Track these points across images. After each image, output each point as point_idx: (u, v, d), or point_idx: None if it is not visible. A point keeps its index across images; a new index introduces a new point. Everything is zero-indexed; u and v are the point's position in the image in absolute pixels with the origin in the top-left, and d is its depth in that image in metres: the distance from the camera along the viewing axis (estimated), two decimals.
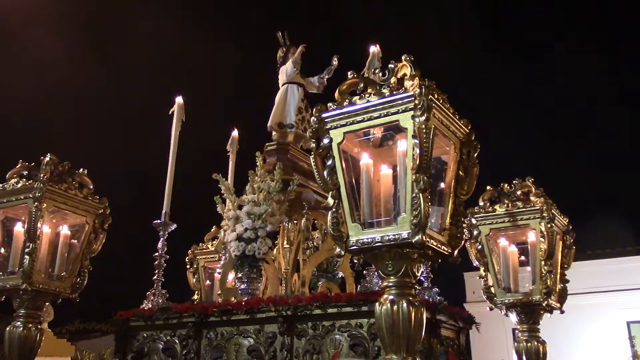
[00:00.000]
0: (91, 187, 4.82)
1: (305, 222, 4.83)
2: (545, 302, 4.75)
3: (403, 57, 3.19)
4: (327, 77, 5.85)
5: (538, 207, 4.82)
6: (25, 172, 4.69)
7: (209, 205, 6.49)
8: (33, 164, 4.72)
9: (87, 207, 4.74)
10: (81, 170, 4.82)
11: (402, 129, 3.04)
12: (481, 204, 5.04)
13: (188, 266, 6.57)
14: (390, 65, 3.24)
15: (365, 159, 3.18)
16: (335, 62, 5.82)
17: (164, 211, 5.10)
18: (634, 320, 19.57)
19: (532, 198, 4.93)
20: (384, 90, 3.09)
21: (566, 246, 5.12)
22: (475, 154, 3.37)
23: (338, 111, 3.19)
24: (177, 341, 4.48)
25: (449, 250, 3.16)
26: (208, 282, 6.67)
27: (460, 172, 3.31)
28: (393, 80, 3.17)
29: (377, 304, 3.04)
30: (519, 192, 5.03)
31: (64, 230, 4.70)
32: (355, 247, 3.05)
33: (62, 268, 4.64)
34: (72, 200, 4.64)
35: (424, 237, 2.88)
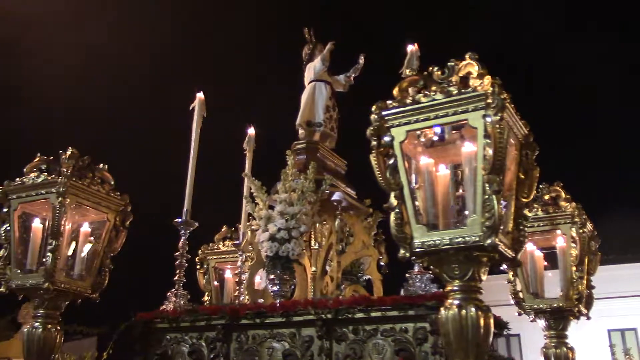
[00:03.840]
0: (112, 182, 4.65)
1: (340, 222, 4.72)
2: (577, 308, 4.70)
3: (467, 55, 3.11)
4: (353, 75, 5.75)
5: (569, 212, 4.78)
6: (43, 167, 4.50)
7: (221, 204, 6.35)
8: (52, 158, 4.52)
9: (109, 204, 4.56)
10: (101, 165, 4.64)
11: (470, 128, 2.95)
12: None
13: (198, 266, 6.40)
14: (449, 64, 3.15)
15: (429, 158, 3.08)
16: (362, 60, 5.72)
17: (185, 209, 4.93)
18: (615, 329, 19.84)
19: (562, 203, 4.88)
20: (451, 88, 3.00)
21: (592, 252, 5.08)
22: (534, 156, 3.29)
23: (401, 109, 3.08)
24: (204, 344, 4.32)
25: (513, 254, 3.07)
26: (216, 283, 6.52)
27: (520, 174, 3.23)
28: (455, 78, 3.09)
29: (442, 309, 2.94)
30: (546, 197, 4.98)
31: (85, 227, 4.52)
32: (420, 250, 2.95)
33: (82, 267, 4.45)
34: (94, 196, 4.46)
35: (496, 239, 2.80)
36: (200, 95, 5.23)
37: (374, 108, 3.15)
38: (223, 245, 6.43)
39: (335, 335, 3.87)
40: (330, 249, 4.75)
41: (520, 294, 4.88)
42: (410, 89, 3.15)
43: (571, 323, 4.88)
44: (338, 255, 4.75)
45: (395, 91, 3.19)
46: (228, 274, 6.47)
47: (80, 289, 4.37)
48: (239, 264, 5.55)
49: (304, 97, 5.56)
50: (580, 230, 4.73)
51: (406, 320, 3.67)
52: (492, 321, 2.91)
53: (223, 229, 6.48)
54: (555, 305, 4.73)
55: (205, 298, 6.29)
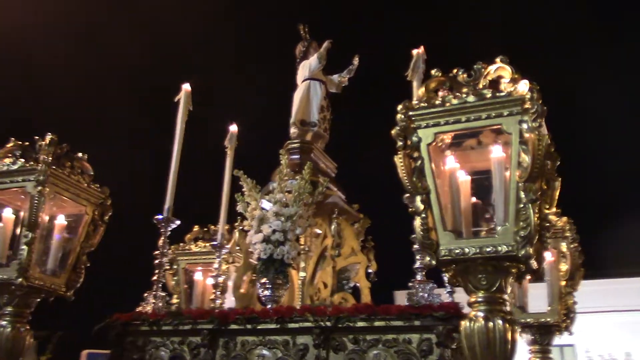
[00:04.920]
0: (91, 173, 4.34)
1: (336, 227, 4.54)
2: (564, 323, 4.68)
3: (499, 59, 3.01)
4: (347, 77, 5.61)
5: (560, 227, 4.76)
6: (18, 152, 4.16)
7: (196, 204, 6.10)
8: (27, 143, 4.19)
9: (88, 196, 4.26)
10: (81, 154, 4.33)
11: (504, 133, 2.85)
12: None
13: (167, 267, 6.10)
14: (476, 66, 3.05)
15: (458, 163, 2.96)
16: (356, 61, 5.59)
17: (166, 206, 4.66)
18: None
19: (552, 217, 4.86)
20: (485, 91, 2.89)
21: (577, 267, 5.08)
22: (556, 166, 3.21)
23: (430, 109, 2.95)
24: (186, 349, 4.05)
25: (537, 266, 2.97)
26: (186, 285, 6.24)
27: (543, 184, 3.15)
28: (483, 81, 2.98)
29: (466, 321, 2.82)
30: None
31: (61, 220, 4.20)
32: (447, 258, 2.82)
33: (57, 263, 4.13)
34: (74, 187, 4.15)
35: (531, 250, 2.69)
36: (186, 87, 4.98)
37: (400, 107, 3.01)
38: (195, 246, 6.16)
39: (333, 344, 3.69)
40: (322, 254, 4.57)
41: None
42: (438, 91, 3.04)
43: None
44: (334, 260, 4.58)
45: (422, 91, 3.07)
46: (199, 276, 6.21)
47: (55, 286, 4.05)
48: (215, 265, 5.31)
49: (297, 95, 5.38)
50: (571, 245, 4.72)
51: (411, 331, 3.52)
52: (518, 335, 2.80)
53: (195, 229, 6.21)
54: (542, 320, 4.69)
55: (174, 300, 5.99)
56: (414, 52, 4.23)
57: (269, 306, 4.07)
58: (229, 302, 5.54)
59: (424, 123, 2.96)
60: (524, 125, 2.76)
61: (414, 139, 2.95)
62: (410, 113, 2.98)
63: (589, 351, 18.50)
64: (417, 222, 2.88)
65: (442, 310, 3.44)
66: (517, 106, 2.80)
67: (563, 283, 4.68)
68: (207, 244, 6.14)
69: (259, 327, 3.87)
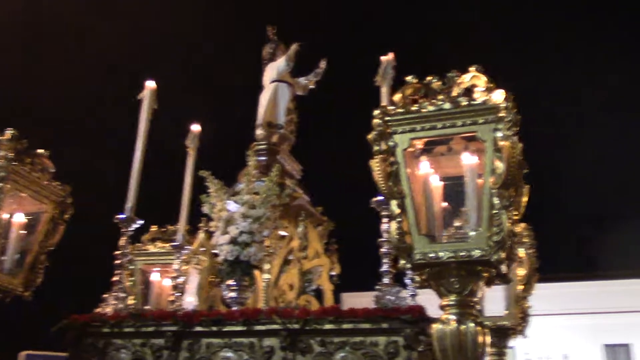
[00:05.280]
0: (52, 170, 4.23)
1: (303, 229, 4.54)
2: (520, 326, 4.81)
3: (473, 68, 3.07)
4: (314, 80, 5.61)
5: (518, 232, 4.88)
6: None
7: (153, 203, 5.99)
8: None
9: (49, 194, 4.15)
10: (42, 151, 4.21)
11: (478, 140, 2.91)
12: None
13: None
14: (450, 74, 3.11)
15: (432, 168, 3.01)
16: (322, 65, 5.60)
17: (128, 205, 4.56)
18: None
19: None
20: (460, 99, 2.95)
21: (532, 272, 5.23)
22: (523, 174, 3.30)
23: (407, 115, 2.99)
24: (149, 352, 3.98)
25: (506, 271, 3.05)
26: (142, 286, 6.12)
27: (512, 191, 3.23)
28: (457, 89, 3.04)
29: (438, 324, 2.87)
30: None
31: (19, 217, 4.07)
32: (422, 261, 2.86)
33: (14, 261, 4.00)
34: (34, 184, 4.03)
35: (503, 255, 2.76)
36: (150, 84, 4.89)
37: (376, 112, 3.04)
38: (153, 246, 6.05)
39: (300, 346, 3.69)
40: (288, 256, 4.56)
41: None
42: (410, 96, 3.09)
43: None
44: (300, 263, 4.57)
45: (398, 97, 3.11)
46: (155, 277, 6.10)
47: (12, 285, 3.92)
48: (175, 267, 5.23)
49: (264, 97, 5.35)
50: (529, 251, 4.85)
51: (378, 334, 3.56)
52: (488, 337, 2.87)
53: (152, 229, 6.10)
54: (500, 323, 4.80)
55: (130, 301, 5.87)
56: (383, 58, 4.27)
57: (234, 308, 4.04)
58: (187, 303, 5.47)
59: (400, 128, 3.00)
60: (499, 134, 2.83)
61: (390, 143, 2.99)
62: (387, 118, 3.01)
63: (528, 353, 19.07)
64: (393, 225, 2.91)
65: (410, 313, 3.48)
66: (492, 114, 2.87)
67: (520, 287, 4.80)
68: (166, 245, 6.05)
69: (224, 329, 3.83)
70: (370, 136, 3.01)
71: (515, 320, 4.77)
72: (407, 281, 3.98)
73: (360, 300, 4.97)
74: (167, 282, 6.23)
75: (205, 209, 4.27)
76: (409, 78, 3.16)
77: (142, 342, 4.03)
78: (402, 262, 2.88)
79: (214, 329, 3.85)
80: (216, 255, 4.28)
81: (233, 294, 4.05)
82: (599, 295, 20.41)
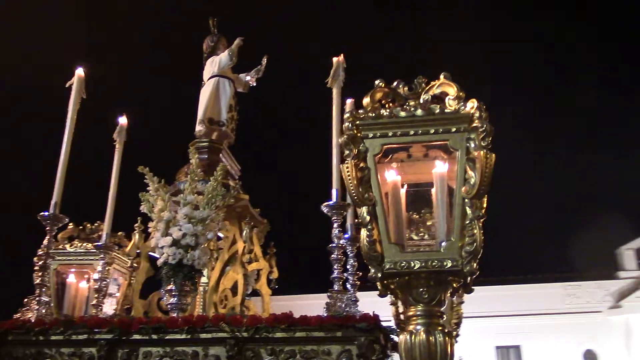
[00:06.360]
0: None
1: (248, 232, 4.34)
2: (455, 332, 4.87)
3: (442, 75, 3.05)
4: (256, 77, 5.41)
5: None
6: None
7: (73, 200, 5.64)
8: None
9: None
10: None
11: (450, 149, 2.89)
12: None
13: (36, 268, 5.54)
14: (418, 81, 3.07)
15: (403, 175, 2.95)
16: (264, 62, 5.41)
17: (53, 201, 4.21)
18: None
19: None
20: (433, 106, 2.91)
21: None
22: None
23: (378, 120, 2.92)
24: None
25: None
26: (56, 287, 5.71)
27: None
28: (425, 96, 3.01)
29: (405, 334, 2.81)
30: None
31: None
32: (393, 270, 2.79)
33: None
34: None
35: (475, 265, 2.75)
36: (79, 72, 4.56)
37: (346, 116, 2.96)
38: (70, 246, 5.66)
39: (248, 355, 3.54)
40: (230, 260, 4.36)
41: (402, 316, 4.93)
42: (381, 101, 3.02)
43: None
44: (245, 267, 4.38)
45: (367, 101, 3.03)
46: (72, 279, 5.72)
47: None
48: (99, 268, 4.92)
49: (205, 92, 5.10)
50: None
51: (331, 342, 3.48)
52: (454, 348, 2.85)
53: (69, 227, 5.70)
54: None
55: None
56: (335, 59, 4.20)
57: (174, 314, 3.81)
58: (107, 308, 5.17)
59: (372, 133, 2.92)
60: (472, 143, 2.81)
61: (361, 148, 2.90)
62: (358, 122, 2.92)
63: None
64: (363, 233, 2.83)
65: (365, 321, 3.42)
66: (464, 123, 2.84)
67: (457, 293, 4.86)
68: (84, 244, 5.70)
69: (166, 338, 3.61)
70: (341, 140, 2.92)
71: (450, 326, 4.82)
72: (348, 287, 3.92)
73: (282, 304, 4.88)
74: (84, 285, 5.88)
75: (144, 208, 4.01)
76: (377, 82, 3.09)
77: (72, 352, 3.73)
78: (372, 271, 2.80)
79: (154, 337, 3.62)
80: (154, 258, 4.04)
81: (174, 300, 3.83)
82: (491, 299, 21.42)
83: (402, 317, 5.00)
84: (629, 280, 26.81)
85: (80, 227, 5.80)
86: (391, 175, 2.96)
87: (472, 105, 2.87)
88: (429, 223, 2.95)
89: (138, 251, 4.55)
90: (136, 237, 4.53)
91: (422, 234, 2.95)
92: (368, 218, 2.84)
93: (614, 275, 27.30)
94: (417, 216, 2.97)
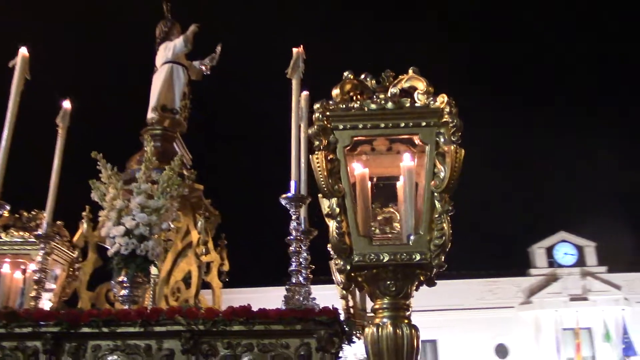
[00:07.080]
0: None
1: (203, 223, 4.22)
2: None
3: (411, 70, 3.06)
4: (209, 65, 5.26)
5: None
6: None
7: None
8: None
9: None
10: None
11: (420, 143, 2.90)
12: None
13: None
14: (385, 74, 3.08)
15: (374, 168, 2.95)
16: (218, 49, 5.27)
17: None
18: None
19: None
20: (403, 99, 2.91)
21: None
22: None
23: (348, 112, 2.90)
24: (21, 356, 3.47)
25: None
26: None
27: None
28: (393, 89, 3.02)
29: (372, 327, 2.81)
30: None
31: None
32: (361, 263, 2.78)
33: None
34: None
35: (443, 259, 2.77)
36: (23, 52, 4.32)
37: (316, 106, 2.92)
38: (5, 235, 5.38)
39: (204, 349, 3.46)
40: (183, 251, 4.24)
41: (352, 310, 4.95)
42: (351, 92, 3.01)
43: None
44: (199, 259, 4.27)
45: (336, 92, 3.00)
46: (6, 269, 5.44)
47: None
48: (38, 259, 4.70)
49: (159, 79, 4.94)
50: None
51: (290, 336, 3.44)
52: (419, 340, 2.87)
53: (4, 215, 5.41)
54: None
55: None
56: (294, 50, 4.15)
57: (126, 307, 3.68)
58: (45, 300, 4.97)
59: (342, 125, 2.90)
60: (441, 138, 2.83)
61: (331, 139, 2.87)
62: (328, 113, 2.89)
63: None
64: (332, 225, 2.80)
65: (325, 314, 3.40)
66: (434, 118, 2.86)
67: None
68: (20, 233, 5.45)
69: (118, 331, 3.48)
70: (310, 130, 2.88)
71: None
72: (301, 279, 3.90)
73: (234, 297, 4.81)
74: (19, 275, 5.62)
75: (95, 195, 3.84)
76: (346, 74, 3.07)
77: (14, 346, 3.54)
78: (341, 264, 2.78)
79: (105, 330, 3.47)
80: (103, 248, 3.88)
81: (125, 292, 3.69)
82: None
83: (351, 311, 5.03)
84: (539, 278, 28.15)
85: (17, 215, 5.52)
86: (359, 168, 2.95)
87: (442, 100, 2.90)
88: (395, 216, 2.95)
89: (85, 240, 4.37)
90: (84, 225, 4.35)
91: (388, 227, 2.94)
92: (338, 210, 2.82)
93: (526, 272, 28.62)
94: (384, 209, 2.97)
